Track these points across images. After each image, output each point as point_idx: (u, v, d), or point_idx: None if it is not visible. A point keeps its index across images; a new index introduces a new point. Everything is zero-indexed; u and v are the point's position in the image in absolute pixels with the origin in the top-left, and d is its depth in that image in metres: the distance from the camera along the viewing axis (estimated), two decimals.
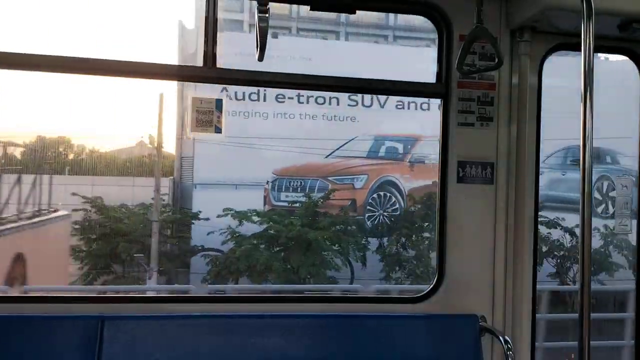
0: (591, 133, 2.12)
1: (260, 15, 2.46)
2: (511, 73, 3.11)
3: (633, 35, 2.98)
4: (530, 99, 3.10)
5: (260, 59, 2.62)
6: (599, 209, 10.27)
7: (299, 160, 10.33)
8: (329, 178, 10.25)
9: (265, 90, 9.57)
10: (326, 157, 10.58)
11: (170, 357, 2.70)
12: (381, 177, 10.44)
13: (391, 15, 13.36)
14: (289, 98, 10.62)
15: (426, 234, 9.66)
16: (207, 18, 2.84)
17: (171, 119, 11.58)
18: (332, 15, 11.84)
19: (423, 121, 10.69)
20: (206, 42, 2.84)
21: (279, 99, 10.58)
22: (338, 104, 10.67)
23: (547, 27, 3.01)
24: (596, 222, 9.65)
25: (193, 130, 2.91)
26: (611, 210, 10.19)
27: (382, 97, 10.58)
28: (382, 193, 10.31)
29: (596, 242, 9.71)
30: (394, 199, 10.33)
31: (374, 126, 11.06)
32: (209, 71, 2.86)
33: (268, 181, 10.27)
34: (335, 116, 10.78)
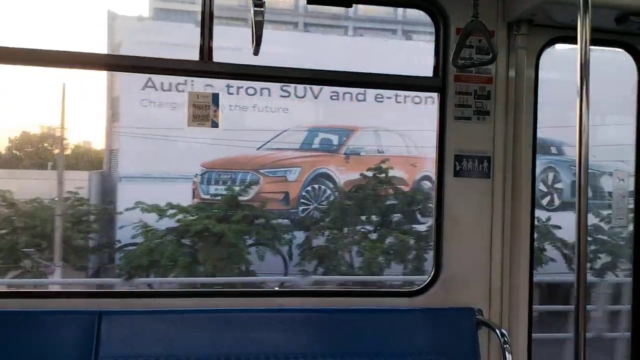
0: (587, 127, 2.13)
1: (256, 9, 2.45)
2: (508, 66, 3.10)
3: (630, 29, 2.98)
4: (527, 93, 3.10)
5: (256, 53, 2.61)
6: (544, 201, 10.02)
7: (229, 153, 10.00)
8: (261, 171, 9.96)
9: (192, 80, 9.05)
10: (258, 149, 10.28)
11: (168, 351, 2.70)
12: (315, 170, 10.16)
13: (399, 9, 13.23)
14: (218, 89, 10.40)
15: (357, 227, 9.38)
16: (203, 11, 2.83)
17: (98, 110, 10.99)
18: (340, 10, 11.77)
19: (359, 112, 10.48)
20: (202, 35, 2.83)
21: (206, 90, 10.29)
22: (270, 94, 10.27)
23: (544, 20, 3.01)
24: (543, 215, 9.24)
25: (190, 124, 2.91)
26: (557, 202, 10.02)
27: (316, 88, 10.23)
28: (316, 186, 10.08)
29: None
30: (328, 191, 10.12)
31: (307, 117, 10.79)
32: (205, 65, 2.85)
33: (197, 174, 9.95)
34: (266, 107, 10.38)
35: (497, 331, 2.86)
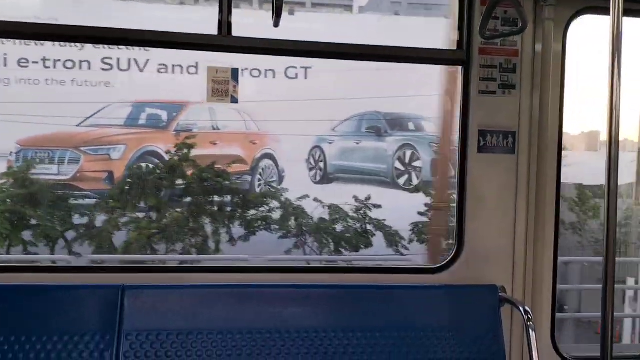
0: (618, 104, 2.05)
1: None
2: (534, 39, 3.02)
3: None
4: (554, 66, 3.01)
5: (276, 24, 2.57)
6: (401, 181, 9.31)
7: (46, 130, 9.21)
8: (82, 148, 9.16)
9: (5, 54, 8.56)
10: (77, 125, 9.42)
11: (191, 325, 2.72)
12: (142, 148, 9.29)
13: None
14: (33, 62, 9.20)
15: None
16: None
17: None
18: None
19: (191, 86, 9.36)
20: (221, 9, 2.79)
21: (21, 64, 9.15)
22: (90, 67, 9.25)
23: None
24: (401, 196, 8.83)
25: (209, 100, 2.89)
26: (415, 181, 9.29)
27: (142, 60, 9.11)
28: (142, 164, 9.21)
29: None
30: (158, 171, 9.20)
31: (132, 92, 9.78)
32: (224, 39, 2.81)
33: (12, 152, 9.06)
34: (86, 81, 9.35)
35: (521, 308, 2.83)
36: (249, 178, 9.19)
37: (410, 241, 8.04)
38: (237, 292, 2.84)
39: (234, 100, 2.90)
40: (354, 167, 9.53)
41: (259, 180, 9.22)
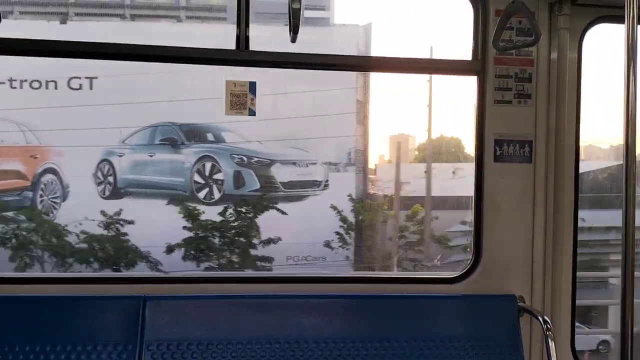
0: (634, 114, 2.04)
1: None
2: (550, 48, 3.02)
3: None
4: (570, 75, 3.02)
5: (293, 40, 2.62)
6: (202, 195, 8.79)
7: None
8: None
9: None
10: None
11: (211, 336, 2.75)
12: None
13: None
14: None
15: None
16: (239, 0, 2.84)
17: None
18: None
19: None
20: (238, 24, 2.85)
21: None
22: None
23: (588, 0, 2.92)
24: (208, 210, 8.38)
25: (227, 112, 2.93)
26: (217, 195, 8.81)
27: None
28: None
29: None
30: None
31: None
32: (241, 54, 2.86)
33: None
34: None
35: (540, 318, 2.82)
36: (30, 194, 8.68)
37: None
38: (256, 303, 2.87)
39: (252, 113, 2.94)
40: (148, 181, 8.91)
41: (41, 196, 8.70)
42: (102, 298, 2.82)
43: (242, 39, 2.84)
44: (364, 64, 3.09)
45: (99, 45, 2.87)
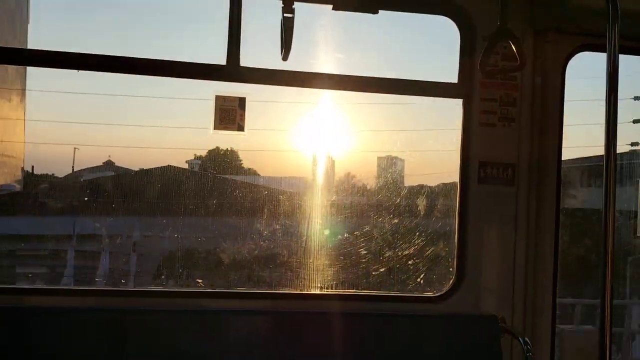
0: (615, 138, 2.08)
1: (286, 15, 2.49)
2: (534, 73, 3.09)
3: None
4: (553, 100, 3.08)
5: (285, 58, 2.64)
6: None
7: None
8: None
9: None
10: None
11: (191, 350, 2.73)
12: None
13: None
14: None
15: None
16: (231, 16, 2.87)
17: None
18: None
19: None
20: (230, 39, 2.87)
21: None
22: None
23: (572, 28, 2.99)
24: None
25: (216, 127, 2.94)
26: None
27: None
28: None
29: None
30: None
31: None
32: (232, 69, 2.88)
33: None
34: None
35: (521, 339, 2.85)
36: None
37: None
38: (244, 319, 2.86)
39: (240, 128, 2.96)
40: None
41: None
42: (84, 310, 2.78)
43: (233, 54, 2.87)
44: (349, 83, 3.11)
45: (85, 56, 2.85)
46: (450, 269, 3.17)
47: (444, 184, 3.83)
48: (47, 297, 2.87)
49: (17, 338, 2.63)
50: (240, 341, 2.79)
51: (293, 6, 2.51)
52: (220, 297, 3.04)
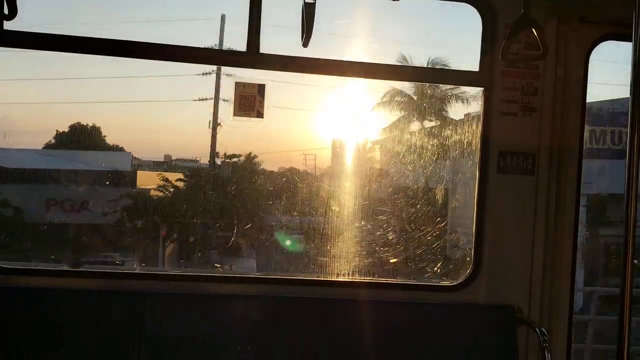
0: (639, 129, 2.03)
1: (307, 1, 2.49)
2: (557, 63, 3.05)
3: None
4: (575, 90, 3.04)
5: (305, 45, 2.65)
6: None
7: None
8: None
9: None
10: None
11: (209, 333, 2.78)
12: None
13: None
14: None
15: None
16: (251, 3, 2.88)
17: None
18: None
19: None
20: (250, 27, 2.88)
21: None
22: None
23: (595, 17, 2.94)
24: None
25: (236, 114, 2.97)
26: None
27: None
28: None
29: None
30: None
31: None
32: (251, 56, 2.90)
33: None
34: None
35: (537, 330, 2.84)
36: None
37: None
38: (257, 304, 2.90)
39: (259, 115, 2.98)
40: None
41: None
42: (105, 292, 2.85)
43: (253, 41, 2.88)
44: (373, 71, 3.10)
45: (107, 42, 2.88)
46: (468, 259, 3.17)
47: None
48: (64, 279, 2.93)
49: (33, 318, 2.70)
50: (255, 325, 2.83)
51: None
52: (230, 282, 3.08)
